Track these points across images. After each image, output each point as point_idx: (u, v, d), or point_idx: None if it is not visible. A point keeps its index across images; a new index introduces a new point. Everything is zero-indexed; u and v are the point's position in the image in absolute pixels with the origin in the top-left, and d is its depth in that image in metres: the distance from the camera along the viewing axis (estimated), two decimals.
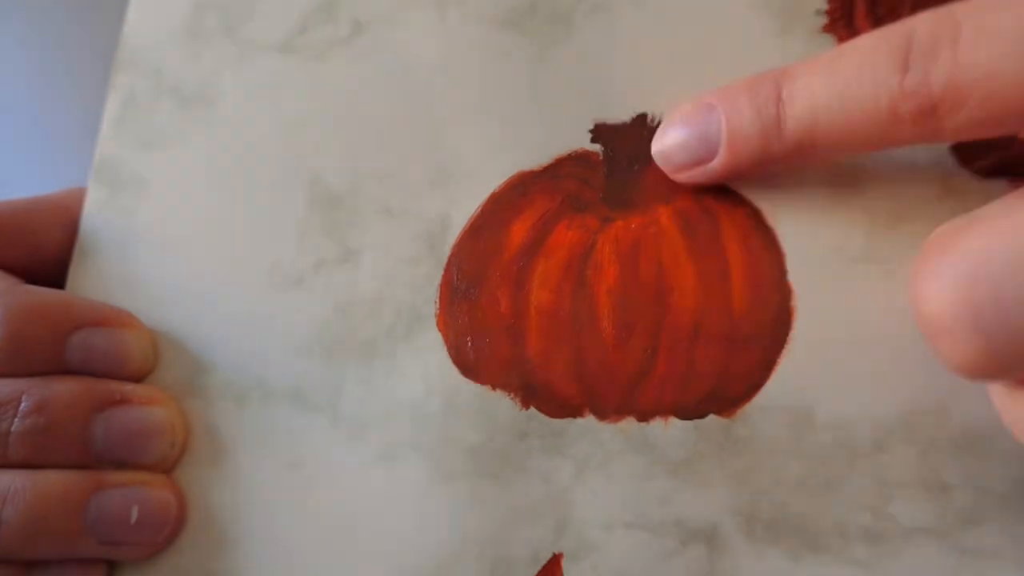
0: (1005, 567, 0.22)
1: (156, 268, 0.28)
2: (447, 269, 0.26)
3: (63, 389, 0.26)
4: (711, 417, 0.24)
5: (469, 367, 0.25)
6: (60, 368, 0.26)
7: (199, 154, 0.28)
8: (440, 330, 0.26)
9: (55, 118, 0.37)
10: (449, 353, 0.25)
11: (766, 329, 0.24)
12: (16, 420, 0.25)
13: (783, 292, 0.24)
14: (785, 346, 0.24)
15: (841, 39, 0.25)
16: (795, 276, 0.24)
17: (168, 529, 0.26)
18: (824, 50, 0.23)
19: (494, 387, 0.25)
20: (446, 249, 0.26)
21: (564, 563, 0.24)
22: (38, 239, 0.29)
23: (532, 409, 0.25)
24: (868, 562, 0.23)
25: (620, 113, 0.26)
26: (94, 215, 0.28)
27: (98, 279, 0.28)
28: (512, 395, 0.25)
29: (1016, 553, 0.22)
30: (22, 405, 0.25)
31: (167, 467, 0.26)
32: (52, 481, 0.25)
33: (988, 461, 0.22)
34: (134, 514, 0.25)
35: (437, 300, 0.26)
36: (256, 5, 0.28)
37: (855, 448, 0.23)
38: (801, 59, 0.23)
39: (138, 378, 0.27)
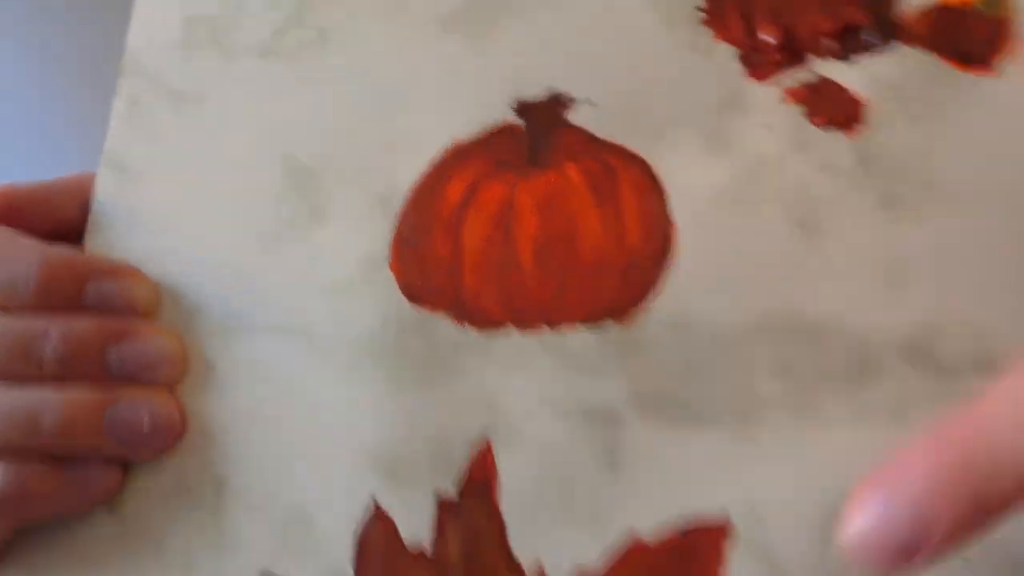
0: (841, 429, 0.28)
1: (157, 237, 0.34)
2: (397, 223, 0.32)
3: (83, 325, 0.31)
4: (612, 325, 0.30)
5: (416, 298, 0.31)
6: (79, 310, 0.32)
7: (192, 143, 0.34)
8: (393, 271, 0.31)
9: (47, 108, 0.42)
10: (400, 288, 0.31)
11: (654, 256, 0.30)
12: (48, 348, 0.31)
13: (667, 227, 0.30)
14: (669, 268, 0.30)
15: (717, 32, 0.31)
16: (676, 214, 0.30)
17: (173, 434, 0.31)
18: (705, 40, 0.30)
19: (435, 310, 0.31)
20: (396, 207, 0.32)
21: (495, 445, 0.29)
22: (57, 214, 0.34)
23: (467, 326, 0.30)
24: (735, 429, 0.28)
25: (537, 92, 0.32)
26: (104, 195, 0.34)
27: (109, 248, 0.34)
28: (450, 317, 0.31)
29: (848, 418, 0.28)
30: (51, 336, 0.31)
31: (171, 388, 0.32)
32: (79, 394, 0.31)
33: (827, 348, 0.28)
34: (146, 421, 0.31)
35: (390, 248, 0.32)
36: (239, 18, 0.34)
37: (724, 343, 0.29)
38: (686, 46, 0.30)
39: (144, 318, 0.32)
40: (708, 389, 0.29)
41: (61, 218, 0.34)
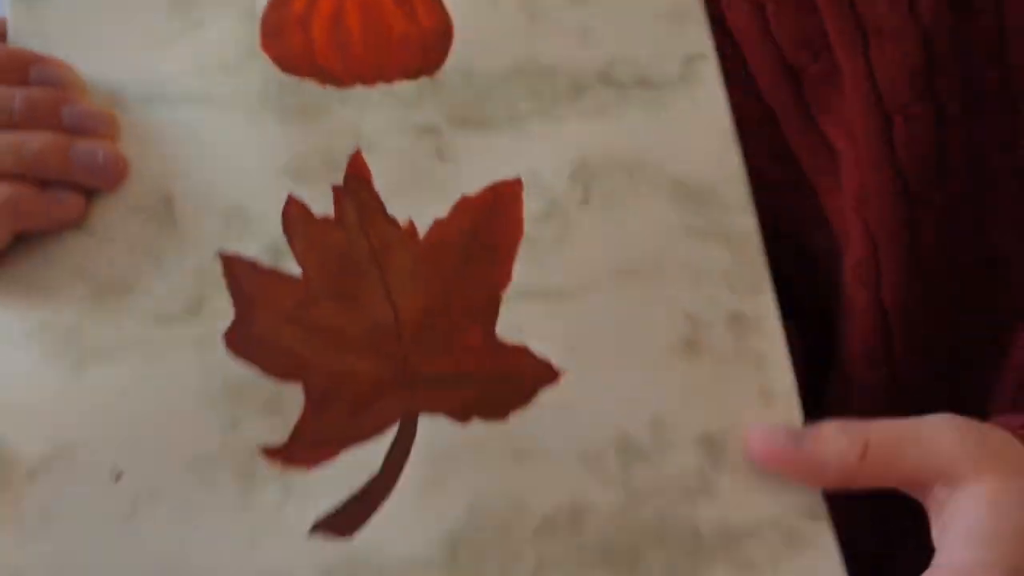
0: (569, 124, 0.46)
1: (70, 51, 0.45)
2: (261, 25, 0.46)
3: (38, 91, 0.43)
4: (424, 78, 0.46)
5: (287, 70, 0.46)
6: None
7: None
8: (265, 52, 0.46)
9: None
10: (274, 62, 0.46)
11: (441, 35, 0.47)
12: (16, 104, 0.42)
13: (447, 18, 0.47)
14: (451, 41, 0.47)
15: None
16: (452, 10, 0.47)
17: (121, 168, 0.43)
18: None
19: (303, 77, 0.46)
20: (258, 16, 0.47)
21: (364, 153, 0.45)
22: None
23: (327, 86, 0.46)
24: (512, 130, 0.46)
25: None
26: (17, 23, 0.45)
27: None
28: (315, 81, 0.46)
29: (574, 115, 0.46)
30: (16, 96, 0.42)
31: (111, 140, 0.44)
32: (48, 134, 0.42)
33: (556, 78, 0.47)
34: (100, 154, 0.43)
35: (259, 39, 0.46)
36: None
37: (494, 81, 0.46)
38: None
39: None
40: (491, 108, 0.46)
41: None
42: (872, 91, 0.49)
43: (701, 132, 0.47)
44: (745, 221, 0.45)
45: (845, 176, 0.52)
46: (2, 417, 0.40)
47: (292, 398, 0.41)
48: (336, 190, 0.44)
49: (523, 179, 0.45)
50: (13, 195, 0.41)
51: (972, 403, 0.52)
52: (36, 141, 0.42)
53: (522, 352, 0.43)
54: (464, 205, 0.45)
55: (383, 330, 0.43)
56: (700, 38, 0.48)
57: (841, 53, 0.50)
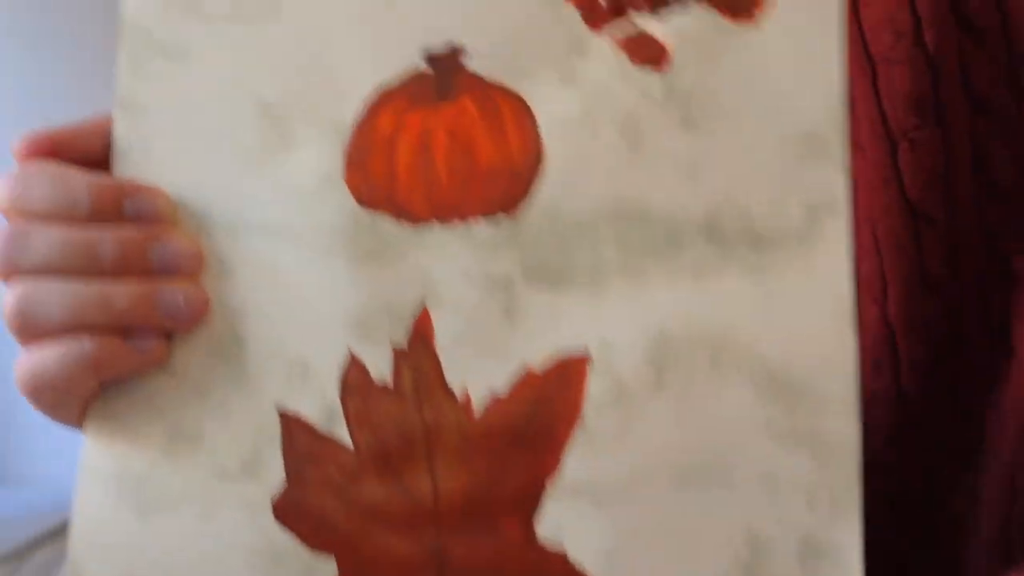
0: (659, 286, 0.41)
1: (167, 162, 0.45)
2: (347, 149, 0.44)
3: (128, 232, 0.43)
4: (504, 219, 0.42)
5: (365, 203, 0.43)
6: (121, 220, 0.44)
7: (185, 88, 0.45)
8: (347, 183, 0.44)
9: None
10: (353, 196, 0.44)
11: (530, 164, 0.42)
12: (107, 251, 0.43)
13: (538, 143, 0.42)
14: (540, 173, 0.42)
15: None
16: (544, 132, 0.42)
17: (202, 310, 0.44)
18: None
19: (379, 211, 0.43)
20: (344, 136, 0.44)
21: (430, 308, 0.43)
22: (88, 150, 0.46)
23: (403, 223, 0.43)
24: (590, 288, 0.41)
25: (439, 44, 0.43)
26: (121, 131, 0.46)
27: (132, 173, 0.46)
28: (391, 216, 0.43)
29: (665, 277, 0.41)
30: (107, 241, 0.43)
31: (195, 278, 0.44)
32: (134, 286, 0.43)
33: (648, 227, 0.41)
34: (182, 299, 0.44)
35: (344, 167, 0.44)
36: None
37: (581, 225, 0.41)
38: (545, 4, 0.41)
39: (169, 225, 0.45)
40: (572, 259, 0.42)
41: (91, 154, 0.46)
42: (878, 117, 0.52)
43: (811, 308, 0.40)
44: (844, 427, 0.39)
45: (857, 194, 0.50)
46: (84, 554, 0.44)
47: (327, 571, 0.42)
48: (397, 355, 0.43)
49: (592, 352, 0.41)
50: (100, 349, 0.43)
51: (974, 414, 0.54)
52: (122, 295, 0.43)
53: (557, 558, 0.41)
54: (526, 383, 0.42)
55: (421, 511, 0.42)
56: (833, 181, 0.40)
57: (850, 81, 0.48)
